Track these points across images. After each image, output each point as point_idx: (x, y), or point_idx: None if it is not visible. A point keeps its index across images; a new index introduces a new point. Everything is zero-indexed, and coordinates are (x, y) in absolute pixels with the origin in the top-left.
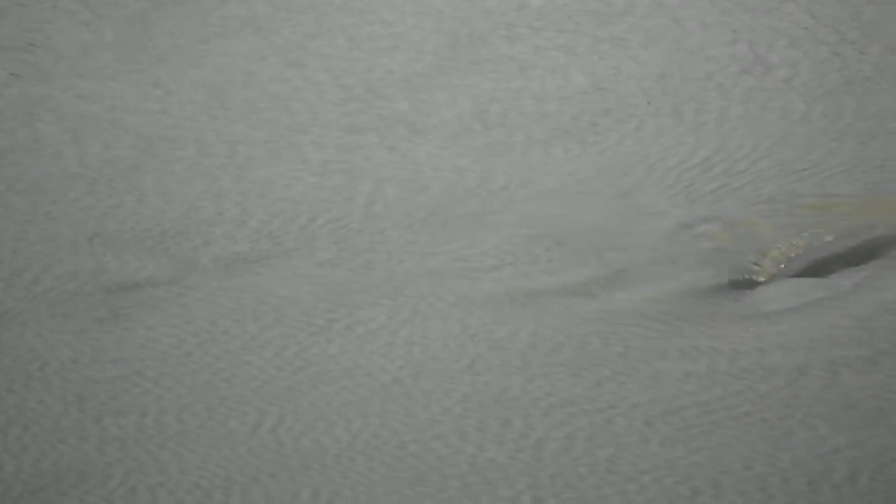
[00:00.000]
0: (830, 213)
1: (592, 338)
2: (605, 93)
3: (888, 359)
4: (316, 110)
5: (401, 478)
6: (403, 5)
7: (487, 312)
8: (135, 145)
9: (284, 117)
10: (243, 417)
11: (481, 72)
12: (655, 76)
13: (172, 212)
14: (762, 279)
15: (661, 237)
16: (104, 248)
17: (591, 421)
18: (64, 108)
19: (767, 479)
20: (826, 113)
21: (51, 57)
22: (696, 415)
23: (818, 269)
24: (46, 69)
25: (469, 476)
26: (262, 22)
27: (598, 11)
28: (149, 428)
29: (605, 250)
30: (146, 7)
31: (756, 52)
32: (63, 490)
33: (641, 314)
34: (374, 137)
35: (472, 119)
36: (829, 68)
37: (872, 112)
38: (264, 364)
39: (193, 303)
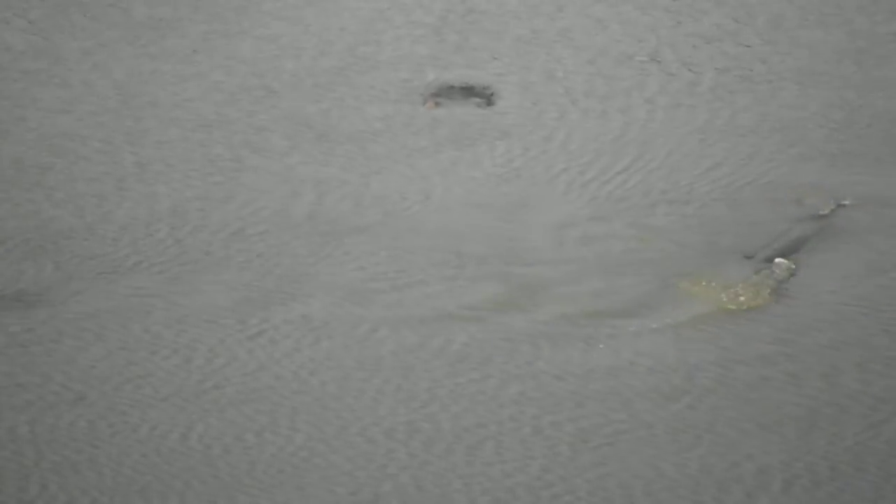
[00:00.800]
0: (739, 208)
1: (495, 349)
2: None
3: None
4: (203, 114)
5: (311, 485)
6: (306, 6)
7: (390, 323)
8: (36, 146)
9: (183, 120)
10: (157, 425)
11: (380, 71)
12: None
13: (62, 215)
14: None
15: (567, 247)
16: None
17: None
18: None
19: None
20: (731, 112)
21: None
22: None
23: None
24: None
25: (383, 483)
26: (168, 23)
27: (490, 12)
28: (62, 434)
29: (509, 263)
30: (52, 10)
31: (663, 56)
32: None
33: (549, 327)
34: (278, 141)
35: (368, 126)
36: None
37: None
38: (175, 369)
39: (80, 306)
